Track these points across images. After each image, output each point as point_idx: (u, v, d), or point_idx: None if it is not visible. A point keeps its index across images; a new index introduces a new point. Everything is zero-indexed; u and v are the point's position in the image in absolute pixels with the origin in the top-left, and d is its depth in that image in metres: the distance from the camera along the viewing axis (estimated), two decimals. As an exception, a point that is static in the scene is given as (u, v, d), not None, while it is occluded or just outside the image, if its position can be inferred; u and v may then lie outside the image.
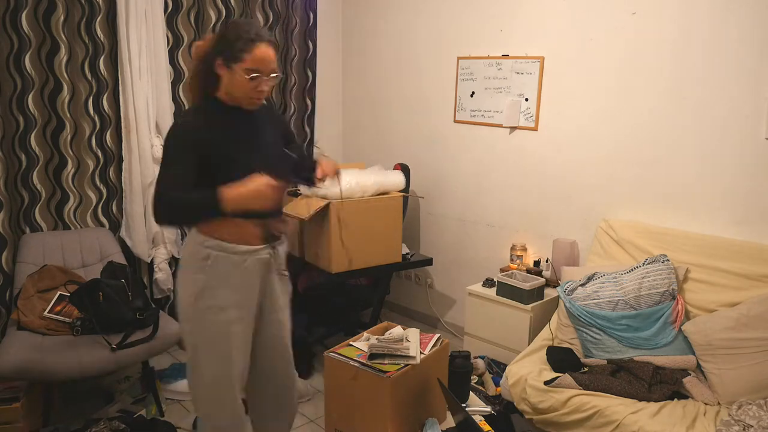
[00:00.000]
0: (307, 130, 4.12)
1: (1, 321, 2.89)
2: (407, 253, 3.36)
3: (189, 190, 1.73)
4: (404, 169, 3.61)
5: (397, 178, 3.21)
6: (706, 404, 2.22)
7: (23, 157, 2.92)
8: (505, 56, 3.28)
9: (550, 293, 2.97)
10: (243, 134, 1.86)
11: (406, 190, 3.29)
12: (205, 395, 1.89)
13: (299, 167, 1.99)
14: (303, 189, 3.00)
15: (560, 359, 2.51)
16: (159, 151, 3.22)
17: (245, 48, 1.75)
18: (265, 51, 1.78)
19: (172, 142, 1.78)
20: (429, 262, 3.44)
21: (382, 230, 3.10)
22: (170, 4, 3.29)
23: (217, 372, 1.84)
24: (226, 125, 1.83)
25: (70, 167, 3.07)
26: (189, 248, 1.87)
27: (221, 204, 1.68)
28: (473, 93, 3.46)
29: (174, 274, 3.51)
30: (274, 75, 1.83)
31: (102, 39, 3.07)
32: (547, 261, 3.15)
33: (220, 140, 1.80)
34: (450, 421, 1.79)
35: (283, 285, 2.00)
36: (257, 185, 1.70)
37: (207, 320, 1.82)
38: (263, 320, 1.95)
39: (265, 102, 1.95)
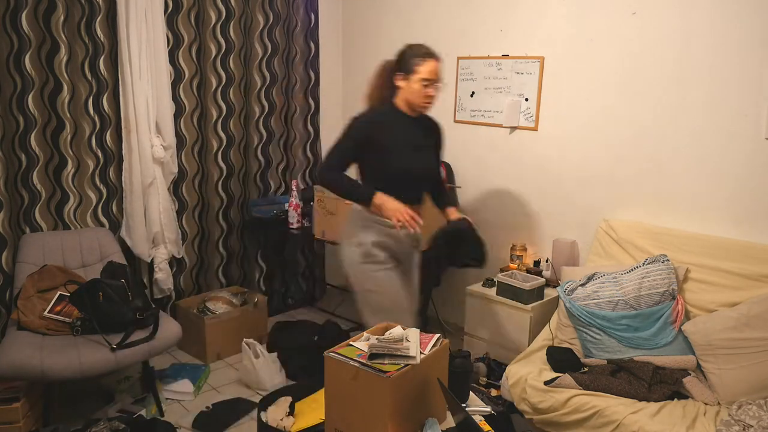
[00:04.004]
0: (311, 129, 4.13)
1: (1, 321, 2.90)
2: None
3: (344, 171, 2.34)
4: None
5: None
6: (706, 404, 2.22)
7: (23, 157, 2.92)
8: (505, 56, 3.28)
9: (550, 293, 2.97)
10: (406, 134, 2.38)
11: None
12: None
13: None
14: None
15: (560, 359, 2.51)
16: (159, 151, 3.22)
17: (420, 63, 2.32)
18: (434, 65, 2.35)
19: (348, 130, 2.35)
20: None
21: None
22: (170, 4, 3.29)
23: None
24: (396, 125, 2.38)
25: (70, 167, 3.07)
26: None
27: (369, 202, 2.29)
28: (473, 93, 3.46)
29: (174, 274, 3.51)
30: (440, 84, 2.40)
31: (102, 39, 3.07)
32: (547, 261, 3.15)
33: (387, 135, 2.34)
34: (450, 421, 1.78)
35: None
36: (398, 207, 2.26)
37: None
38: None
39: (432, 118, 2.53)
